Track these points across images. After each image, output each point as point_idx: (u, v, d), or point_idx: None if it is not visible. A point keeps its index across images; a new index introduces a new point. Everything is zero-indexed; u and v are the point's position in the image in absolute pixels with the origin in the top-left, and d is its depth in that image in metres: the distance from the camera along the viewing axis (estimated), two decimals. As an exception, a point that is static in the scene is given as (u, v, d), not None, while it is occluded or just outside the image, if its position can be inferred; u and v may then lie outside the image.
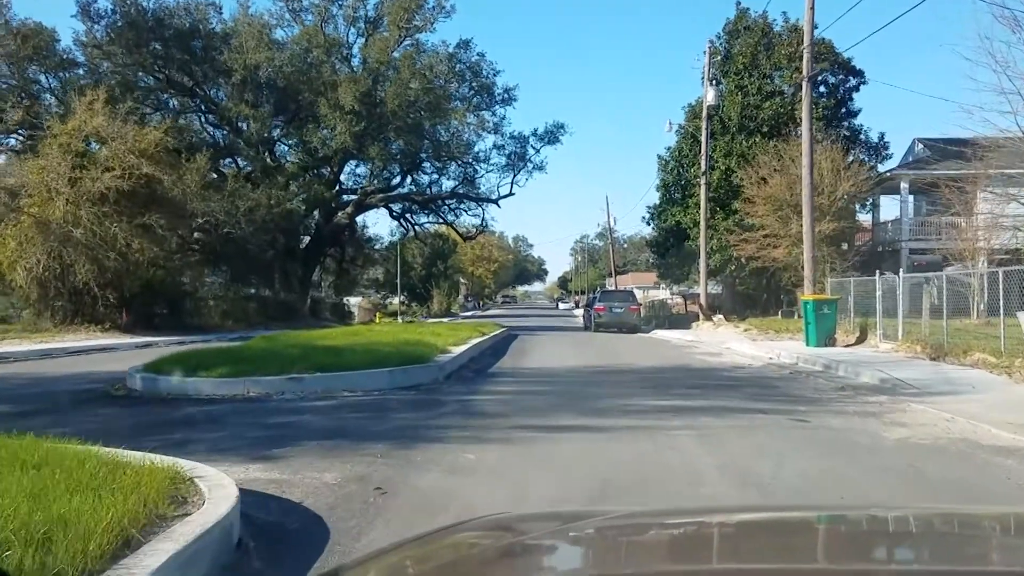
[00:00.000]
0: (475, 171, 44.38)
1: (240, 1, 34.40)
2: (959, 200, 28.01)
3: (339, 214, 42.35)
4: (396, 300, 74.76)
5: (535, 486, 5.56)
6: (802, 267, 34.16)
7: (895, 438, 7.65)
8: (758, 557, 1.75)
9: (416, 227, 47.11)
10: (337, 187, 41.59)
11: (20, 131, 32.26)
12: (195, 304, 31.16)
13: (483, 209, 45.93)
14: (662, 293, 71.71)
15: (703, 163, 35.05)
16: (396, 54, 35.86)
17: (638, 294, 45.34)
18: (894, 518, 2.18)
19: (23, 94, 33.83)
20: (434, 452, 6.59)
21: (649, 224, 41.81)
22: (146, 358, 12.90)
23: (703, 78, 37.67)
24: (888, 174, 38.83)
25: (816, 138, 34.99)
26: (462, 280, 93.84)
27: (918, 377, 12.66)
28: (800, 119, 37.66)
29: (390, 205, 44.88)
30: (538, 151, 44.36)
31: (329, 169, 40.98)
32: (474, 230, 47.11)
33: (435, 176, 44.70)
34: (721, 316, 34.56)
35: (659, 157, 38.98)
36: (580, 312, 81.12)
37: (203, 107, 34.16)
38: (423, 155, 40.66)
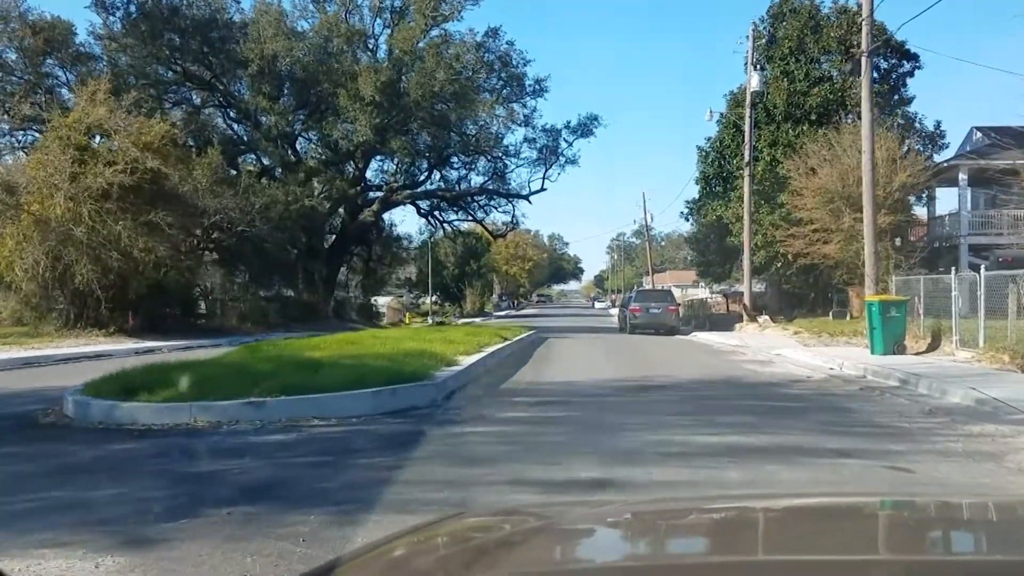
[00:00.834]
0: (505, 166, 42.31)
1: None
2: (1034, 190, 25.24)
3: (365, 212, 40.54)
4: (430, 300, 73.17)
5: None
6: (857, 264, 31.55)
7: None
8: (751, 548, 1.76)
9: (445, 225, 45.21)
10: (362, 184, 39.79)
11: (33, 128, 30.93)
12: (210, 306, 29.53)
13: (513, 205, 43.85)
14: (701, 292, 68.91)
15: (746, 153, 32.53)
16: (421, 44, 33.90)
17: (676, 293, 42.85)
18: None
19: (38, 88, 32.54)
20: (385, 532, 4.50)
21: (688, 219, 39.43)
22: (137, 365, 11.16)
23: (746, 63, 35.13)
24: (945, 164, 35.88)
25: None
26: (496, 279, 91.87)
27: (1021, 398, 10.27)
28: (852, 105, 35.01)
29: (417, 202, 42.97)
30: (571, 144, 42.14)
31: (354, 165, 39.20)
32: (504, 227, 45.06)
33: (464, 172, 42.73)
34: (767, 317, 32.02)
35: (699, 148, 36.54)
36: (616, 312, 78.77)
37: (223, 101, 32.54)
38: (450, 150, 38.66)
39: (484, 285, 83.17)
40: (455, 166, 40.73)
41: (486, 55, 36.54)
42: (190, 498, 5.32)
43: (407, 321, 55.00)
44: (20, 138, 33.01)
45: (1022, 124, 24.32)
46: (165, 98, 34.00)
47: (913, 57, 39.09)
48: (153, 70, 30.72)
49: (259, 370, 9.41)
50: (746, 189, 32.53)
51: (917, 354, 16.95)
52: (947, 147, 38.68)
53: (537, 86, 40.19)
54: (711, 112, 33.55)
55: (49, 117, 24.77)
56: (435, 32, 35.49)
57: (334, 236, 41.43)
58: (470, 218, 44.72)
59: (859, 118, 32.97)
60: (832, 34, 35.31)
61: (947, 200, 38.50)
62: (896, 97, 38.22)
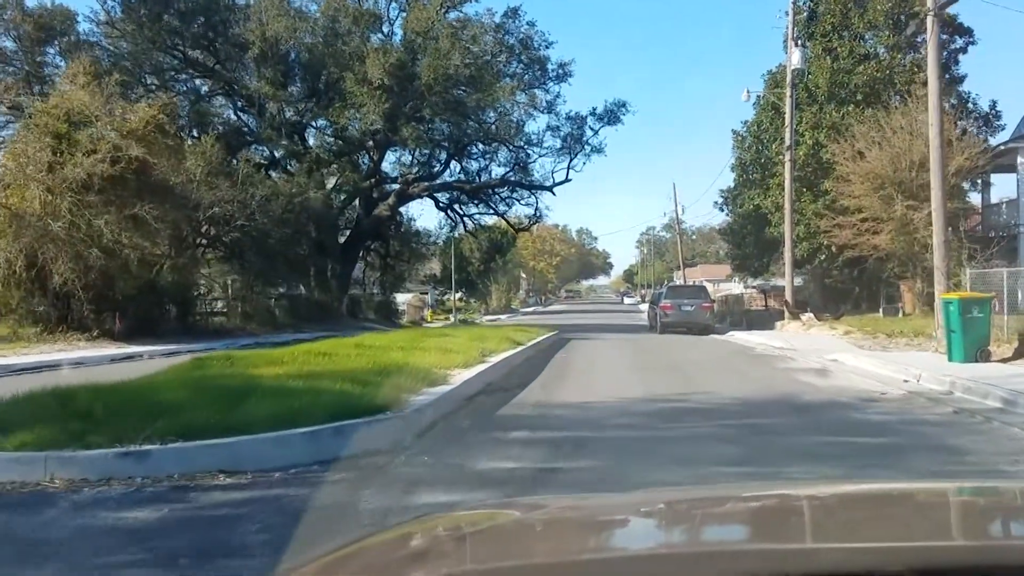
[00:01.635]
0: (527, 156, 39.71)
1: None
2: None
3: (380, 205, 38.25)
4: (452, 296, 70.84)
5: None
6: (910, 256, 28.57)
7: None
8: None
9: (465, 219, 42.73)
10: (377, 176, 37.46)
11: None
12: (210, 306, 27.40)
13: (536, 197, 41.23)
14: (734, 287, 65.77)
15: (787, 136, 29.66)
16: (437, 26, 31.45)
17: (709, 288, 39.97)
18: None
19: (34, 78, 30.67)
20: None
21: (722, 210, 36.59)
22: (109, 376, 9.02)
23: (785, 40, 32.24)
24: (1003, 147, 32.63)
25: (917, 106, 29.32)
26: (523, 275, 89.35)
27: None
28: (902, 83, 31.94)
29: (435, 195, 40.54)
30: (596, 132, 39.44)
31: (368, 157, 36.90)
32: (528, 221, 42.47)
33: (484, 162, 40.22)
34: (810, 314, 29.15)
35: (734, 133, 33.69)
36: (645, 308, 75.89)
37: (227, 89, 30.36)
38: (468, 139, 36.20)
39: (510, 281, 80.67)
40: (474, 156, 38.29)
41: (505, 37, 34.03)
42: None
43: (428, 319, 52.75)
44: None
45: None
46: (168, 86, 31.93)
47: (967, 32, 35.93)
48: (152, 56, 28.59)
49: (165, 400, 7.01)
50: (787, 175, 29.67)
51: (1004, 361, 14.15)
52: (1003, 129, 35.47)
53: (560, 71, 37.59)
54: (748, 92, 30.73)
55: (28, 104, 22.73)
56: (452, 15, 33.08)
57: (349, 231, 39.21)
58: (491, 211, 42.29)
59: (909, 97, 30.01)
60: (879, 7, 32.25)
61: (1002, 186, 35.20)
62: (947, 76, 34.96)
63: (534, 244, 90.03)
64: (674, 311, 29.90)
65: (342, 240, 38.68)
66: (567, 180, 39.77)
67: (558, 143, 39.18)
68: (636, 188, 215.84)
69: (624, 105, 39.16)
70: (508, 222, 41.91)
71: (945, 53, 35.29)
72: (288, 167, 29.58)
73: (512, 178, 40.19)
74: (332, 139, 32.30)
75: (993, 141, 33.55)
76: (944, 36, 35.15)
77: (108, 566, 4.05)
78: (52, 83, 31.17)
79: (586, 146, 39.46)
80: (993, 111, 35.15)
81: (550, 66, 36.97)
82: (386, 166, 39.93)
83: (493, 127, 35.82)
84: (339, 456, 6.36)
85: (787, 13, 31.44)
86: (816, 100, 32.16)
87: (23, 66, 31.58)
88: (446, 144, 35.63)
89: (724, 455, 6.75)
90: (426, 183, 39.34)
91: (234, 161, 24.77)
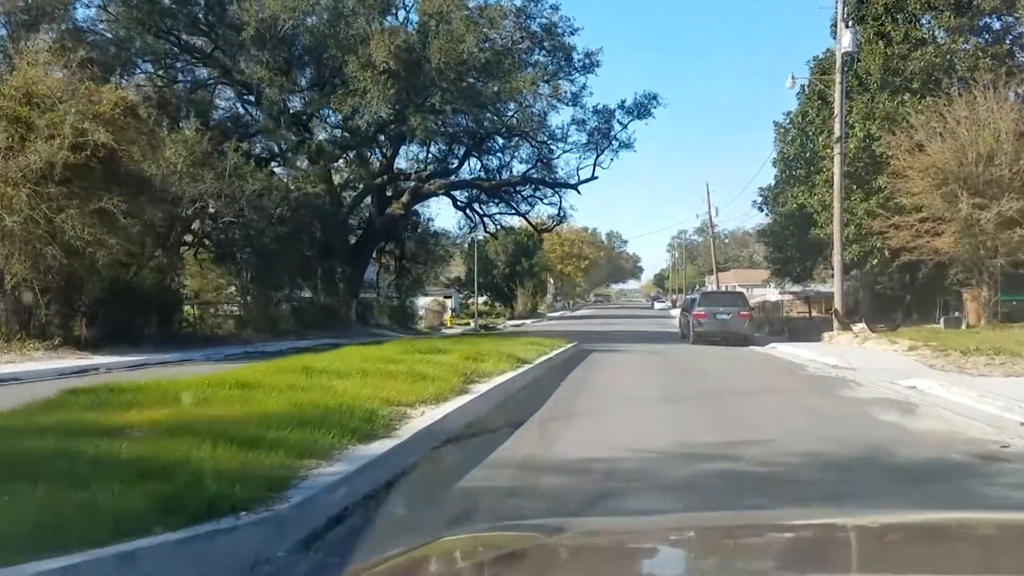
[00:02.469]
0: (551, 151, 36.71)
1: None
2: None
3: (394, 204, 35.53)
4: (475, 301, 68.01)
5: None
6: (974, 261, 25.09)
7: None
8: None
9: (485, 219, 39.82)
10: (389, 173, 34.73)
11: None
12: (199, 311, 24.80)
13: (560, 196, 38.20)
14: (769, 293, 62.02)
15: (837, 127, 26.33)
16: (451, 6, 28.57)
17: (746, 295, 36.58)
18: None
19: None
20: None
21: (762, 209, 33.27)
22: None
23: (833, 22, 28.93)
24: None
25: (983, 94, 25.85)
26: (550, 279, 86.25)
27: None
28: (965, 68, 28.42)
29: (452, 193, 37.69)
30: (625, 126, 36.34)
31: (380, 151, 34.19)
32: (551, 221, 39.44)
33: (505, 158, 37.28)
34: (863, 325, 25.77)
35: (776, 125, 30.36)
36: (676, 313, 72.34)
37: (226, 76, 27.74)
38: (485, 132, 33.32)
39: (536, 285, 77.61)
40: (494, 152, 35.36)
41: (527, 22, 31.07)
42: None
43: (448, 324, 50.00)
44: None
45: None
46: (168, 75, 29.48)
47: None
48: (144, 41, 26.09)
49: None
50: (836, 170, 26.34)
51: None
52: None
53: (587, 60, 34.53)
54: (792, 78, 27.44)
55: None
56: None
57: (361, 231, 36.55)
58: (513, 211, 39.30)
59: (973, 84, 26.53)
60: (939, -15, 28.81)
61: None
62: (1011, 63, 31.35)
63: (562, 247, 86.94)
64: (709, 320, 26.73)
65: (353, 241, 36.03)
66: (593, 178, 36.76)
67: (583, 138, 36.19)
68: (668, 189, 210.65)
69: (655, 98, 36.02)
70: (530, 223, 38.92)
71: (1011, 37, 31.75)
72: (296, 161, 26.93)
73: (534, 175, 37.23)
74: (339, 131, 29.58)
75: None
76: (1010, 18, 31.62)
77: None
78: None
79: (614, 141, 36.40)
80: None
81: (575, 55, 33.96)
82: (403, 163, 37.29)
83: (514, 120, 32.88)
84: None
85: (836, -8, 28.13)
86: (867, 88, 28.78)
87: (6, 54, 29.32)
88: (463, 138, 32.77)
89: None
90: (442, 180, 36.54)
91: (224, 151, 22.06)
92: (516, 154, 37.19)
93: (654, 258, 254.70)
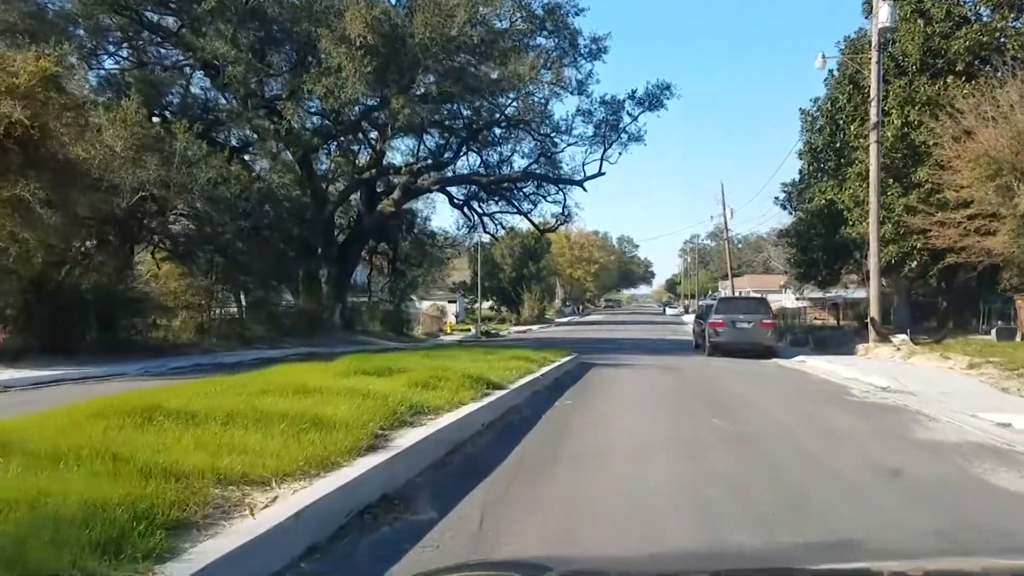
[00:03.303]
0: (554, 145, 33.57)
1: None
2: None
3: (384, 200, 32.42)
4: (481, 305, 64.84)
5: None
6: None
7: None
8: None
9: (484, 218, 36.59)
10: (378, 167, 31.64)
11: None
12: (149, 315, 21.73)
13: (565, 194, 35.02)
14: (785, 299, 58.43)
15: (874, 111, 22.96)
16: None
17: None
18: None
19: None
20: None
21: (785, 207, 29.83)
22: None
23: (867, -3, 25.59)
24: None
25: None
26: (559, 283, 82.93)
27: None
28: (1017, 47, 25.05)
29: (447, 189, 34.59)
30: (636, 118, 33.14)
31: (368, 143, 31.08)
32: (555, 220, 36.22)
33: (505, 152, 34.14)
34: (905, 336, 22.36)
35: (803, 113, 26.97)
36: (689, 319, 68.75)
37: (189, 53, 24.63)
38: (482, 121, 30.18)
39: (544, 289, 74.30)
40: (491, 143, 32.18)
41: (527, 1, 27.93)
42: None
43: (448, 330, 46.83)
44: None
45: None
46: (128, 57, 26.48)
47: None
48: (96, 17, 23.08)
49: None
50: (872, 160, 22.97)
51: None
52: None
53: (594, 46, 31.39)
54: (823, 57, 24.05)
55: None
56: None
57: (350, 230, 33.50)
58: (514, 210, 36.06)
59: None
60: (984, -43, 25.42)
61: None
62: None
63: (571, 250, 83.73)
64: (727, 329, 23.41)
65: (341, 240, 32.95)
66: (600, 173, 33.55)
67: (590, 130, 33.01)
68: (680, 192, 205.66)
69: (668, 88, 32.81)
70: (533, 222, 35.70)
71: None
72: (268, 149, 23.77)
73: (537, 171, 34.05)
74: (319, 118, 26.43)
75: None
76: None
77: None
78: None
79: (623, 134, 33.21)
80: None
81: (581, 40, 30.83)
82: (397, 158, 34.19)
83: (513, 108, 29.70)
84: None
85: (870, -36, 24.79)
86: (905, 72, 25.39)
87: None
88: (459, 129, 29.63)
89: None
90: (437, 175, 33.41)
91: (170, 132, 19.00)
92: (518, 148, 34.12)
93: (666, 263, 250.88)
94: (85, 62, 23.90)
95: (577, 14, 29.24)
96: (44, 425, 5.65)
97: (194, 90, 27.43)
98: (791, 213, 29.38)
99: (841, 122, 25.87)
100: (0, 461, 4.47)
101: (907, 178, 24.44)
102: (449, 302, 67.23)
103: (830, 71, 27.82)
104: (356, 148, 31.98)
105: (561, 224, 35.87)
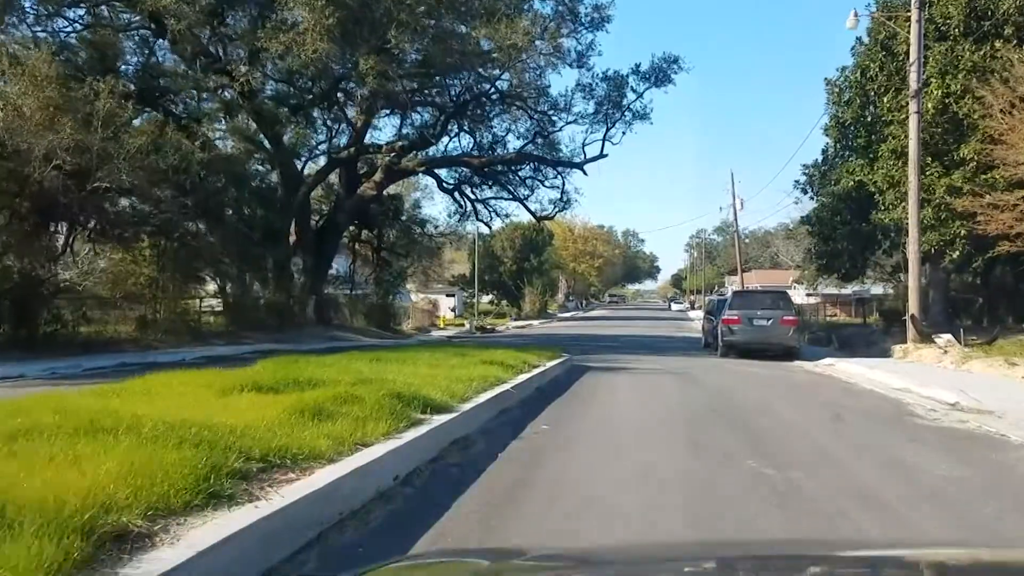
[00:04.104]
0: (551, 123, 30.39)
1: None
2: None
3: (364, 183, 29.32)
4: (479, 299, 61.77)
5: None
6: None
7: None
8: None
9: (477, 204, 33.35)
10: (358, 144, 28.52)
11: None
12: (79, 307, 18.68)
13: (564, 178, 31.82)
14: (795, 295, 55.04)
15: (913, 76, 19.69)
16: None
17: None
18: None
19: None
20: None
21: (806, 191, 26.54)
22: None
23: (905, -50, 22.26)
24: None
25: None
26: (562, 277, 79.70)
27: None
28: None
29: (435, 172, 31.44)
30: (641, 95, 29.92)
31: (344, 117, 27.92)
32: (553, 207, 33.05)
33: (499, 131, 30.97)
34: (949, 336, 19.12)
35: (828, 83, 23.67)
36: (695, 315, 65.43)
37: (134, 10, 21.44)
38: (469, 93, 26.98)
39: (547, 284, 71.03)
40: (482, 119, 28.93)
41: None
42: None
43: (441, 325, 43.73)
44: None
45: None
46: (84, 21, 23.35)
47: None
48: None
49: None
50: (912, 132, 19.71)
51: None
52: None
53: (596, 15, 28.16)
54: (855, 16, 20.73)
55: None
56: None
57: (326, 214, 30.40)
58: (509, 195, 32.84)
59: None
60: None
61: None
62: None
63: (575, 244, 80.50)
64: (743, 326, 20.24)
65: (318, 226, 29.86)
66: (602, 155, 30.34)
67: (591, 107, 29.81)
68: (687, 181, 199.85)
69: (676, 61, 29.56)
70: (529, 209, 32.56)
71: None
72: (220, 116, 20.53)
73: (533, 152, 30.87)
74: (284, 86, 23.23)
75: None
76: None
77: None
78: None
79: (626, 112, 29.99)
80: None
81: (582, 7, 27.64)
82: (382, 138, 31.07)
83: (504, 78, 26.50)
84: None
85: (907, -87, 21.47)
86: (946, 36, 22.06)
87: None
88: (444, 103, 26.45)
89: None
90: (424, 156, 30.26)
91: (97, 92, 15.88)
92: (513, 128, 30.93)
93: (672, 258, 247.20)
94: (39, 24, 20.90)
95: (577, -24, 26.07)
96: None
97: (154, 59, 24.30)
98: (812, 198, 26.14)
99: (872, 94, 22.58)
100: None
101: (949, 155, 21.18)
102: (447, 295, 64.13)
103: (857, 39, 24.58)
104: (335, 126, 28.85)
105: (559, 211, 32.75)
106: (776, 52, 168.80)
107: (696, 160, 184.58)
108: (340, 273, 34.65)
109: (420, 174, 32.00)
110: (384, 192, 30.58)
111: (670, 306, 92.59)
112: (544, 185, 32.05)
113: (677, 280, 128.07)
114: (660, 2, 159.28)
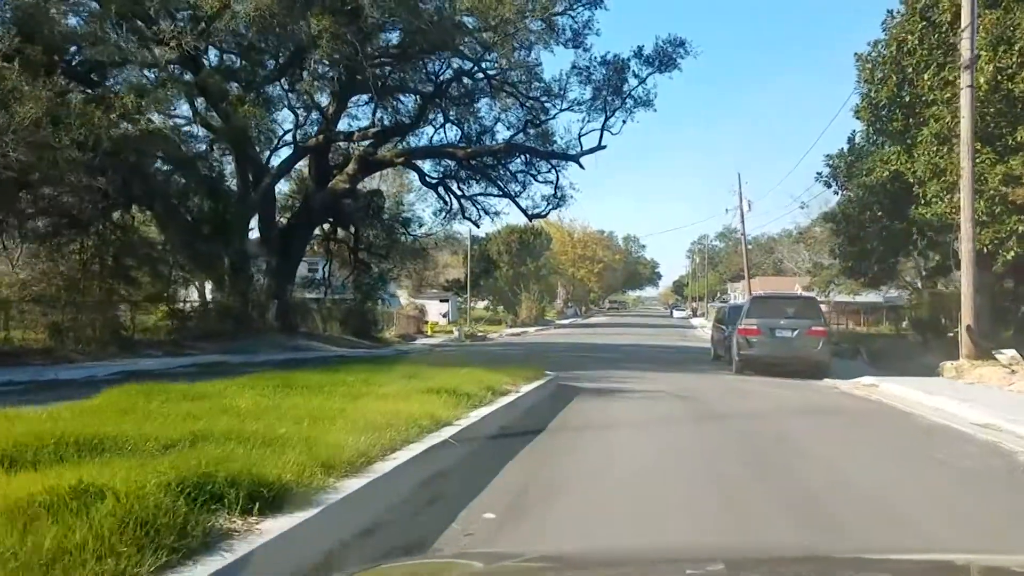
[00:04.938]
0: (544, 110, 27.16)
1: None
2: None
3: (336, 176, 26.11)
4: (470, 305, 58.54)
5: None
6: None
7: None
8: None
9: (463, 201, 30.01)
10: (329, 132, 25.33)
11: None
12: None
13: (558, 172, 28.56)
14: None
15: (965, 44, 16.40)
16: None
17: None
18: None
19: None
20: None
21: (830, 184, 23.21)
22: None
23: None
24: None
25: None
26: (560, 283, 76.41)
27: None
28: None
29: (416, 164, 28.20)
30: (643, 80, 26.70)
31: (308, 100, 24.67)
32: (546, 204, 29.66)
33: (487, 119, 27.75)
34: (1014, 352, 15.78)
35: (859, 59, 20.37)
36: (698, 323, 62.08)
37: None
38: (452, 73, 23.76)
39: (544, 289, 67.73)
40: (463, 100, 25.65)
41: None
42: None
43: (429, 332, 40.45)
44: None
45: None
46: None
47: None
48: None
49: None
50: (965, 111, 16.40)
51: None
52: None
53: (594, -10, 25.02)
54: (896, -25, 17.45)
55: None
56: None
57: (295, 210, 27.20)
58: (499, 192, 29.53)
59: None
60: None
61: None
62: None
63: (574, 249, 77.26)
64: (764, 338, 16.96)
65: (288, 222, 26.64)
66: (600, 147, 27.07)
67: (587, 92, 26.56)
68: (690, 183, 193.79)
69: (682, 44, 26.33)
70: (520, 206, 29.22)
71: None
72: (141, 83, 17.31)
73: (523, 142, 27.63)
74: (228, 54, 19.98)
75: None
76: None
77: None
78: None
79: (627, 99, 26.76)
80: None
81: (579, -20, 24.44)
82: (358, 126, 27.81)
83: (489, 59, 23.29)
84: None
85: None
86: (998, 2, 18.82)
87: None
88: (416, 78, 23.22)
89: None
90: (404, 147, 27.04)
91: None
92: (503, 117, 27.69)
93: (673, 264, 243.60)
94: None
95: (572, -58, 22.88)
96: None
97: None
98: (837, 192, 22.86)
99: (910, 70, 19.33)
100: None
101: (1003, 140, 17.90)
102: (441, 301, 60.86)
103: (889, 11, 21.30)
104: (305, 114, 25.63)
105: (553, 208, 29.40)
106: (784, 45, 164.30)
107: (698, 161, 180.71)
108: (316, 276, 31.44)
109: (400, 167, 28.75)
110: (359, 186, 27.35)
111: (672, 313, 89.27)
112: (537, 180, 28.81)
113: (678, 287, 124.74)
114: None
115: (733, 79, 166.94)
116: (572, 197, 29.54)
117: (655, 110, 26.85)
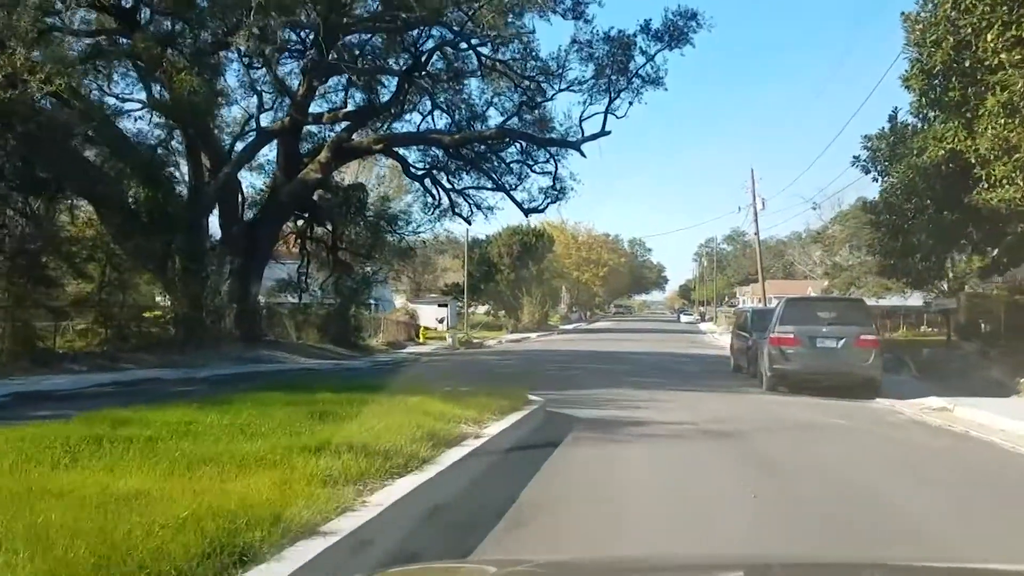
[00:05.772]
0: (541, 91, 23.99)
1: None
2: None
3: (307, 164, 22.99)
4: (468, 309, 55.39)
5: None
6: None
7: None
8: None
9: (453, 195, 26.79)
10: (300, 114, 22.20)
11: None
12: None
13: (557, 161, 25.36)
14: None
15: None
16: None
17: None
18: None
19: None
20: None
21: (868, 170, 19.89)
22: None
23: None
24: None
25: None
26: (564, 287, 73.11)
27: None
28: None
29: (398, 152, 25.02)
30: (652, 58, 23.50)
31: (276, 81, 21.55)
32: (544, 197, 26.39)
33: (479, 106, 24.63)
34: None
35: (906, 19, 17.09)
36: (707, 327, 58.71)
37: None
38: (433, 40, 20.63)
39: (548, 293, 64.43)
40: (442, 76, 22.49)
41: None
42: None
43: (422, 339, 37.27)
44: None
45: None
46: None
47: None
48: None
49: None
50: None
51: None
52: None
53: (595, -45, 21.92)
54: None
55: None
56: None
57: (261, 204, 24.07)
58: (492, 184, 26.30)
59: None
60: None
61: None
62: None
63: (578, 252, 74.05)
64: (803, 349, 13.70)
65: (255, 218, 23.52)
66: (604, 132, 23.83)
67: (589, 71, 23.36)
68: (698, 180, 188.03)
69: (694, 17, 23.07)
70: (515, 200, 25.95)
71: None
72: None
73: (518, 128, 24.45)
74: (164, 16, 16.81)
75: None
76: None
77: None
78: None
79: (634, 79, 23.56)
80: None
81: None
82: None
83: (476, 29, 20.09)
84: None
85: None
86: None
87: None
88: (388, 43, 20.08)
89: None
90: (385, 132, 23.91)
91: None
92: (496, 101, 24.55)
93: (680, 267, 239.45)
94: None
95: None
96: None
97: None
98: (876, 179, 19.52)
99: (970, 30, 16.08)
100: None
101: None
102: (440, 305, 57.70)
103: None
104: (273, 95, 22.53)
105: (552, 202, 26.08)
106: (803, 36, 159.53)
107: (704, 163, 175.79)
108: (291, 278, 28.25)
109: (381, 155, 25.59)
110: (341, 179, 24.29)
111: (679, 318, 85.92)
112: (534, 171, 25.60)
113: (685, 291, 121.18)
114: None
115: (743, 71, 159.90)
116: (573, 189, 26.26)
117: (665, 89, 23.61)
